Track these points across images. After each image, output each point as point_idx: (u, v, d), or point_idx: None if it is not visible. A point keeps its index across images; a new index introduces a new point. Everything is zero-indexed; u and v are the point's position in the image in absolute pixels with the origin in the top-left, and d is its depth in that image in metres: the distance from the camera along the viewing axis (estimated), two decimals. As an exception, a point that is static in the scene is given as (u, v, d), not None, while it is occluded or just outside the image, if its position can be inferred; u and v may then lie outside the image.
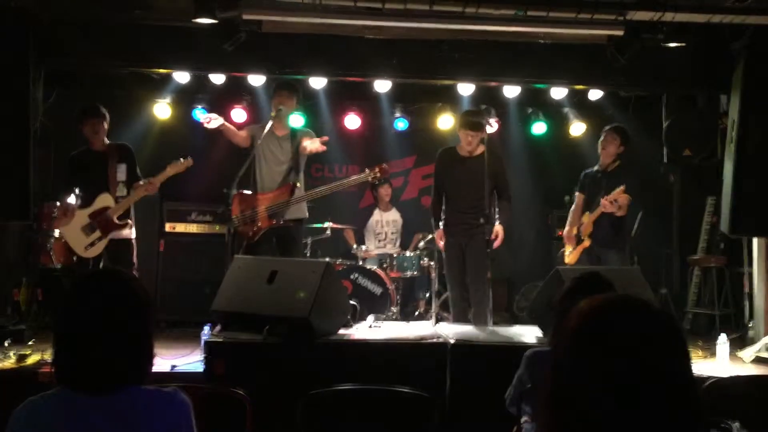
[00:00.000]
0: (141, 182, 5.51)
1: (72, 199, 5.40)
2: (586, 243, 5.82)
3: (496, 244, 5.29)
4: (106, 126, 5.43)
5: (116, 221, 5.29)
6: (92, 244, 5.25)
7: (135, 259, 5.42)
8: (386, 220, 7.37)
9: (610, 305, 1.22)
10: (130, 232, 5.41)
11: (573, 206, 6.12)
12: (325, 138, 5.38)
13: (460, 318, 5.47)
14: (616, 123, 6.31)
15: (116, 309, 1.76)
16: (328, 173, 7.95)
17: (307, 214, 5.62)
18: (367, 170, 5.46)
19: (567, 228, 6.03)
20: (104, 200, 5.30)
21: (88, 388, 1.73)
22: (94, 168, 5.35)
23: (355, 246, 6.99)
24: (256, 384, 3.34)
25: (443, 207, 5.62)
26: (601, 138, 5.96)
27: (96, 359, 1.72)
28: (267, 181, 5.44)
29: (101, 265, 5.28)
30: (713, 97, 6.40)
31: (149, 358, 1.83)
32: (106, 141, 5.47)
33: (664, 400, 1.12)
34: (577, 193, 6.09)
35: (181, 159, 5.36)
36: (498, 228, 5.32)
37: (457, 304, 5.51)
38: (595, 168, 6.01)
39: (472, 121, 5.47)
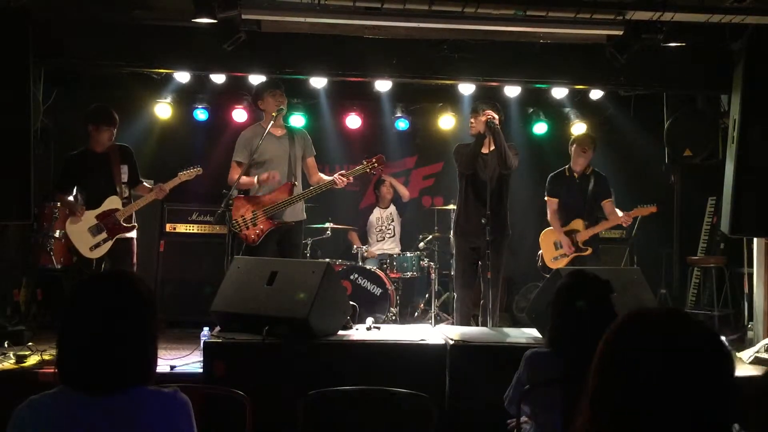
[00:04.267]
0: (146, 183, 5.54)
1: (72, 199, 5.41)
2: (588, 251, 5.76)
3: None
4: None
5: (123, 224, 5.32)
6: (97, 245, 5.27)
7: (135, 259, 5.43)
8: (385, 216, 7.41)
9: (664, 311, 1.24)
10: (132, 232, 5.44)
11: (549, 212, 5.99)
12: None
13: (465, 320, 5.44)
14: (585, 128, 6.34)
15: (120, 310, 1.77)
16: (328, 173, 7.91)
17: (305, 216, 5.62)
18: (364, 162, 5.45)
19: (559, 234, 5.87)
20: (113, 202, 5.33)
21: (90, 388, 1.73)
22: (98, 169, 5.36)
23: (355, 246, 6.99)
24: (256, 384, 3.34)
25: (460, 210, 5.54)
26: (579, 144, 5.90)
27: (99, 360, 1.73)
28: (266, 183, 5.41)
29: (103, 265, 5.30)
30: (713, 97, 6.40)
31: (153, 358, 1.84)
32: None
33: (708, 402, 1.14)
34: (549, 198, 6.00)
35: (192, 168, 5.47)
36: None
37: (464, 307, 5.45)
38: (566, 173, 5.96)
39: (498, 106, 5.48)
